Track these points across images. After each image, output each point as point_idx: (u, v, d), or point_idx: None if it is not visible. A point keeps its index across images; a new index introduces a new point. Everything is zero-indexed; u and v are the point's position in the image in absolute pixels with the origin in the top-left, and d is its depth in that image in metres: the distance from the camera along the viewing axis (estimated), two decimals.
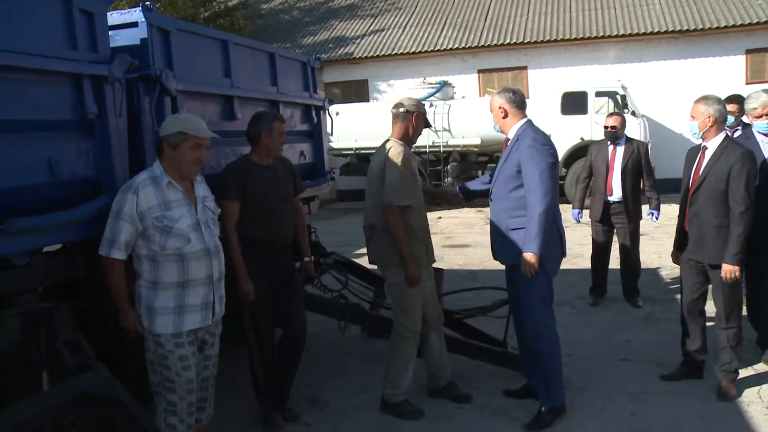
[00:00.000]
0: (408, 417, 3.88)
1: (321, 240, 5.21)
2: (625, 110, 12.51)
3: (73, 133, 2.81)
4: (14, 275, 2.58)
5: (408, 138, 3.96)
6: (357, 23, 18.69)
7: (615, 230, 6.05)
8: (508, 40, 15.98)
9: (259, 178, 3.68)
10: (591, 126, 12.88)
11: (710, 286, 4.07)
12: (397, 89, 16.28)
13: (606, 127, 6.00)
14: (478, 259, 8.42)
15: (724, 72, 14.65)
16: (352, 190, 14.25)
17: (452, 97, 14.23)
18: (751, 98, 4.39)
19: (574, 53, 15.71)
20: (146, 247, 2.82)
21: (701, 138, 3.97)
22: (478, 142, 13.31)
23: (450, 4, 18.55)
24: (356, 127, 13.56)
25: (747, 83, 14.54)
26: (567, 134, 12.98)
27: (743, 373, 4.21)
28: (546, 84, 15.14)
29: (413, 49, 16.58)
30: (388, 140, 3.94)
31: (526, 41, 15.80)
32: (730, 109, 4.83)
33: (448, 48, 16.33)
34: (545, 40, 15.65)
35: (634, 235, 6.02)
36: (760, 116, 4.29)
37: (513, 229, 3.70)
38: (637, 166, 5.91)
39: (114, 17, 3.20)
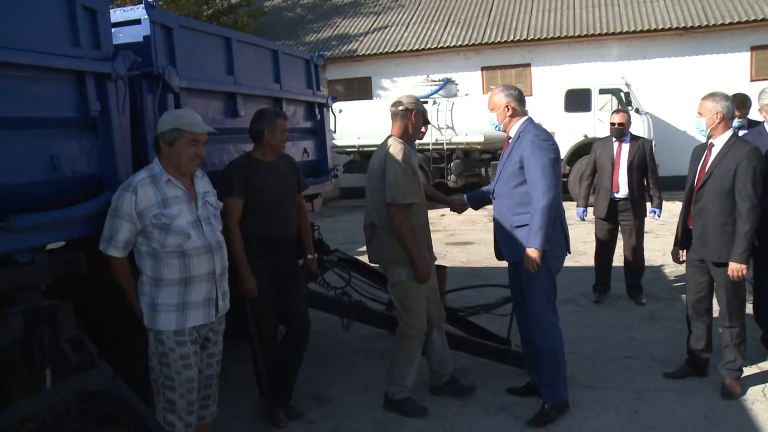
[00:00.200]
0: (412, 414, 3.87)
1: (324, 237, 5.21)
2: (629, 107, 12.46)
3: (75, 131, 2.81)
4: (17, 272, 2.58)
5: (408, 135, 3.94)
6: (360, 20, 18.68)
7: (620, 227, 6.04)
8: (511, 38, 15.96)
9: (262, 175, 3.68)
10: (594, 123, 12.87)
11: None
12: (401, 86, 16.27)
13: (612, 124, 5.98)
14: (482, 256, 8.41)
15: (729, 69, 14.60)
16: (355, 187, 14.23)
17: (455, 95, 14.22)
18: (764, 93, 4.37)
19: (577, 50, 15.68)
20: (147, 245, 2.82)
21: (709, 135, 3.95)
22: (481, 139, 13.28)
23: (453, 1, 18.53)
24: (359, 124, 13.54)
25: (752, 80, 14.50)
26: (570, 131, 12.96)
27: (748, 371, 4.19)
28: (549, 81, 15.11)
29: (416, 47, 16.57)
30: (388, 138, 3.93)
31: (529, 38, 15.77)
32: (735, 112, 4.79)
33: (452, 45, 16.32)
34: (549, 37, 15.62)
35: (639, 232, 6.01)
36: None
37: (517, 227, 3.69)
38: (643, 163, 5.90)
39: (117, 14, 3.20)
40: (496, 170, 3.98)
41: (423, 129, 4.05)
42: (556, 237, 3.69)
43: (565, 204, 3.78)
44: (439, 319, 4.14)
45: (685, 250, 4.18)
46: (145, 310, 2.87)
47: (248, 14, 18.19)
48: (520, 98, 3.78)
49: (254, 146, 3.78)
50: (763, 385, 4.08)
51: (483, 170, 13.82)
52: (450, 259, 8.20)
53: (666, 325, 5.33)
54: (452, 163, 13.77)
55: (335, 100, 5.56)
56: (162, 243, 2.80)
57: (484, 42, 16.08)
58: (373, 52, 16.82)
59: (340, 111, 11.89)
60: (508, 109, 3.76)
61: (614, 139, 5.97)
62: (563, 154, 12.35)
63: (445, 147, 13.70)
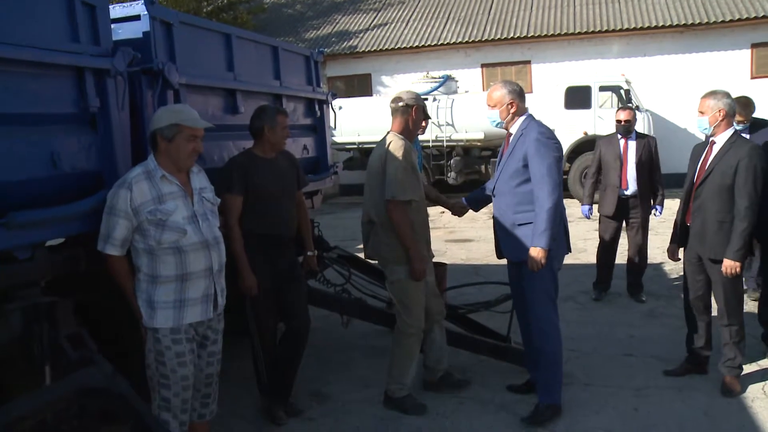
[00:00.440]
0: (411, 412, 3.87)
1: (324, 234, 5.20)
2: (629, 105, 12.45)
3: (75, 127, 2.80)
4: (17, 269, 2.58)
5: (408, 131, 3.93)
6: (360, 17, 18.64)
7: (627, 225, 6.03)
8: (511, 35, 15.92)
9: (262, 172, 3.67)
10: (595, 120, 12.85)
11: None
12: (401, 83, 16.23)
13: (619, 121, 5.96)
14: (481, 253, 8.41)
15: (729, 66, 14.57)
16: (355, 184, 14.19)
17: (455, 92, 14.20)
18: None
19: (577, 47, 15.65)
20: (143, 242, 2.80)
21: (711, 133, 3.94)
22: (481, 136, 13.27)
23: None
24: (359, 121, 13.52)
25: (752, 78, 14.49)
26: (571, 129, 12.94)
27: (748, 368, 4.19)
28: (549, 78, 15.09)
29: (416, 43, 16.55)
30: (387, 134, 3.92)
31: (529, 35, 15.74)
32: (738, 118, 4.73)
33: (452, 42, 16.29)
34: (549, 34, 15.59)
35: (645, 230, 6.01)
36: None
37: (519, 225, 3.67)
38: (650, 160, 5.91)
39: (116, 10, 3.18)
40: (495, 167, 3.96)
41: (423, 123, 4.04)
42: (559, 236, 3.67)
43: (565, 201, 3.77)
44: (440, 316, 4.14)
45: (682, 248, 4.18)
46: (143, 307, 2.86)
47: (248, 11, 18.15)
48: (521, 95, 3.75)
49: (254, 143, 3.76)
50: (763, 383, 4.08)
51: (483, 167, 13.80)
52: (450, 256, 8.20)
53: (666, 322, 5.33)
54: (452, 161, 13.75)
55: (335, 96, 5.55)
56: (158, 240, 2.78)
57: (484, 39, 16.05)
58: (373, 49, 16.79)
59: (340, 108, 11.87)
60: (512, 106, 3.72)
61: (620, 136, 5.96)
62: (563, 151, 12.33)
63: (444, 144, 13.68)
